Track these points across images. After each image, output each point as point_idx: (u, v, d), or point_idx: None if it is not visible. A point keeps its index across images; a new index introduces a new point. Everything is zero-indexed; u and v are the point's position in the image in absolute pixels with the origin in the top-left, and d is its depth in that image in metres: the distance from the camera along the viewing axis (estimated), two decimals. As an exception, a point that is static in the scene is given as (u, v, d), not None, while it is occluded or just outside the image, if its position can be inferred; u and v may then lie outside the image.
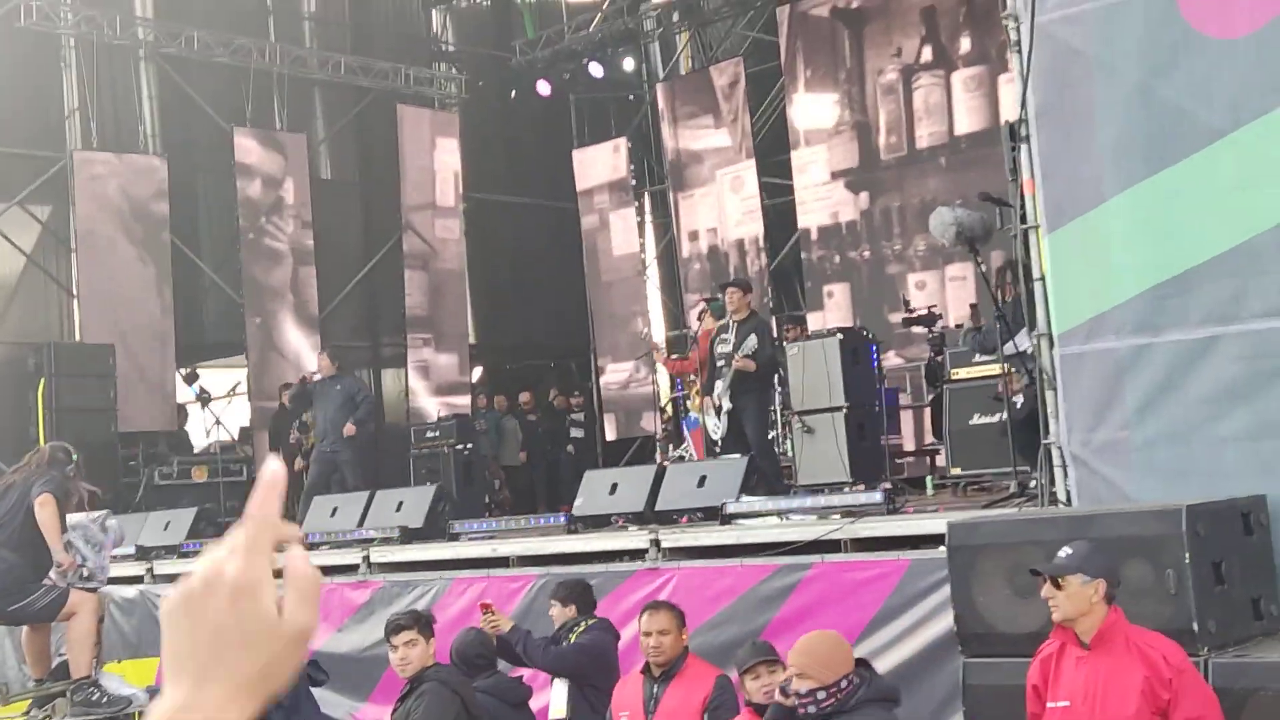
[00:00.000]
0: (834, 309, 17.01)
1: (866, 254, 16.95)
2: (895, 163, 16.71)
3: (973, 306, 9.92)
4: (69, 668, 7.79)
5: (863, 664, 5.08)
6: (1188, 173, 6.22)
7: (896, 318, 14.43)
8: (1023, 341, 7.84)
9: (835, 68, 17.30)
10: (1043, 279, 6.75)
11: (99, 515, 8.40)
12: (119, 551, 11.54)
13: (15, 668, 9.32)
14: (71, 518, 7.94)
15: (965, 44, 16.08)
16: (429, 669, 6.07)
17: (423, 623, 6.22)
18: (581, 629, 7.01)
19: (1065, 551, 4.90)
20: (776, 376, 11.37)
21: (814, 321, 16.68)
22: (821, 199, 17.35)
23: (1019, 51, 6.75)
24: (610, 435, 20.02)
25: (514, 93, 20.72)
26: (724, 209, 18.72)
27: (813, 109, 17.56)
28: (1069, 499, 6.62)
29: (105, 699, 7.68)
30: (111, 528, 8.51)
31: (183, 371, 16.94)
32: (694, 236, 19.22)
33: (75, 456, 8.35)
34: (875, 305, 16.47)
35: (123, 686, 7.92)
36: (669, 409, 19.52)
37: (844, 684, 4.81)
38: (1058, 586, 4.78)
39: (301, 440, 14.77)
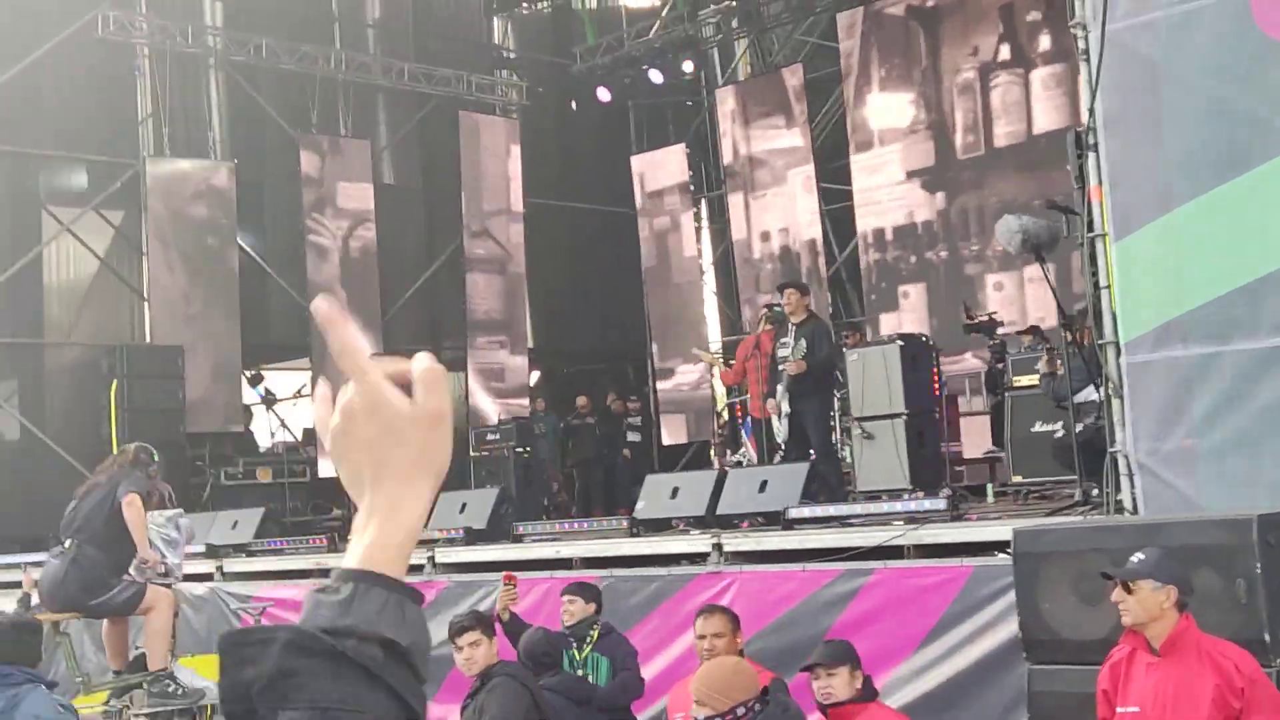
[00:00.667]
0: (909, 309, 16.82)
1: (943, 254, 16.80)
2: (972, 162, 16.54)
3: (1050, 350, 9.91)
4: (146, 660, 7.99)
5: (772, 689, 5.22)
6: (1258, 181, 6.23)
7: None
8: (1092, 393, 7.91)
9: (910, 67, 17.15)
10: (1109, 287, 6.77)
11: (173, 514, 8.67)
12: (189, 549, 11.81)
13: (95, 660, 9.53)
14: (150, 516, 8.15)
15: (1044, 42, 15.92)
16: (495, 666, 6.17)
17: (485, 623, 6.36)
18: (595, 635, 7.31)
19: (1137, 557, 4.92)
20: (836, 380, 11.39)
21: (887, 323, 16.58)
22: (897, 199, 17.20)
23: (1087, 60, 6.77)
24: (667, 439, 20.10)
25: (573, 100, 20.85)
26: (796, 210, 18.74)
27: (887, 108, 17.42)
28: (1135, 507, 6.63)
29: (180, 690, 7.91)
30: (184, 526, 8.83)
31: (248, 374, 17.21)
32: (765, 237, 19.18)
33: (156, 457, 8.68)
34: (952, 306, 15.96)
35: (196, 679, 8.14)
36: (725, 413, 19.59)
37: (740, 711, 4.92)
38: (1128, 591, 4.81)
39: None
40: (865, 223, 17.56)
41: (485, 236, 19.60)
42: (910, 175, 17.09)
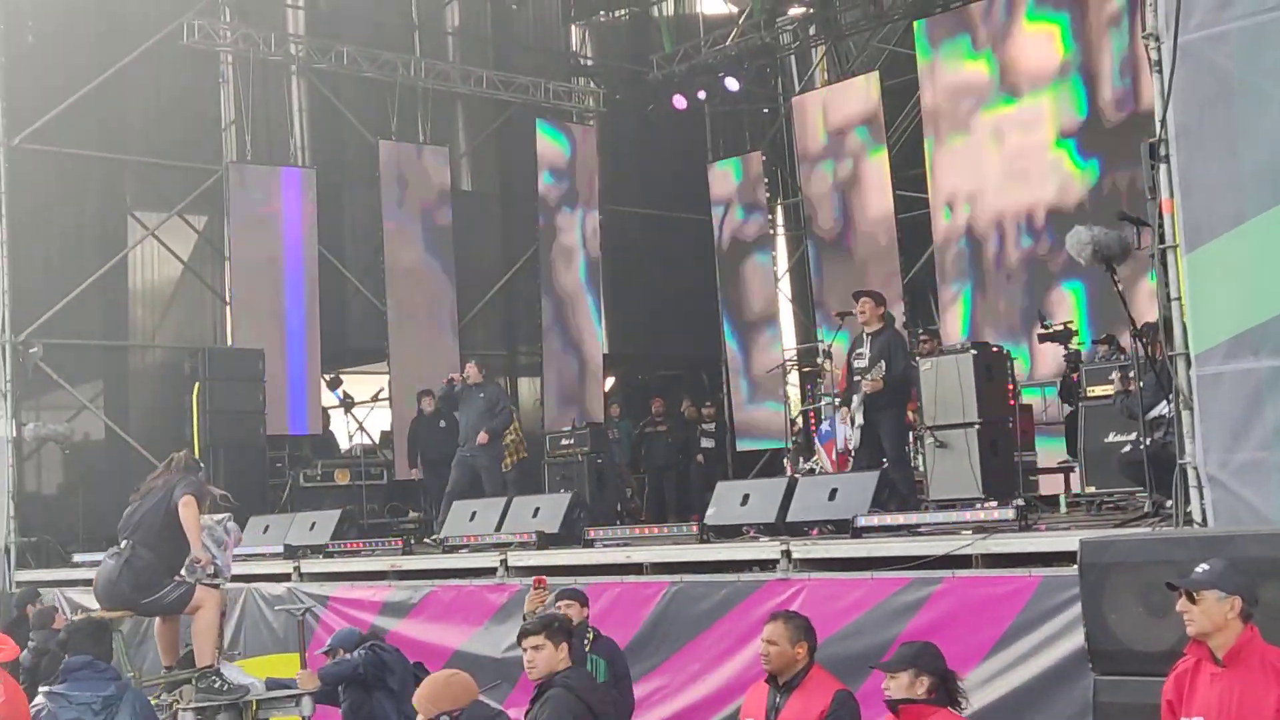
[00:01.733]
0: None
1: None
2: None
3: (1123, 369, 9.85)
4: (194, 657, 8.30)
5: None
6: (1333, 194, 6.18)
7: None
8: (1164, 409, 7.88)
9: None
10: (1179, 299, 6.73)
11: (222, 518, 8.99)
12: (238, 551, 12.05)
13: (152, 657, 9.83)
14: (201, 519, 8.40)
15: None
16: (558, 674, 6.09)
17: (552, 628, 6.18)
18: (592, 637, 7.50)
19: (1202, 567, 4.91)
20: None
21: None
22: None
23: (1159, 71, 6.74)
24: (741, 446, 20.13)
25: (650, 106, 20.96)
26: (871, 216, 18.62)
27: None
28: (1204, 519, 6.59)
29: (226, 687, 8.20)
30: (232, 530, 9.05)
31: (327, 377, 17.47)
32: (842, 243, 19.04)
33: (202, 465, 9.23)
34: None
35: (242, 676, 8.41)
36: (799, 421, 19.58)
37: (442, 719, 5.42)
38: (1192, 601, 4.81)
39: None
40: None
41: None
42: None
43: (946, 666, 5.55)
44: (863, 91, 18.83)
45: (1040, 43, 16.65)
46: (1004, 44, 16.97)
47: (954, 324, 17.18)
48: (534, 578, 8.07)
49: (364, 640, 8.24)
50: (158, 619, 8.63)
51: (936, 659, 5.55)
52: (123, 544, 8.23)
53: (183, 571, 8.17)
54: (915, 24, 18.02)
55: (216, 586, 8.51)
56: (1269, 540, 5.67)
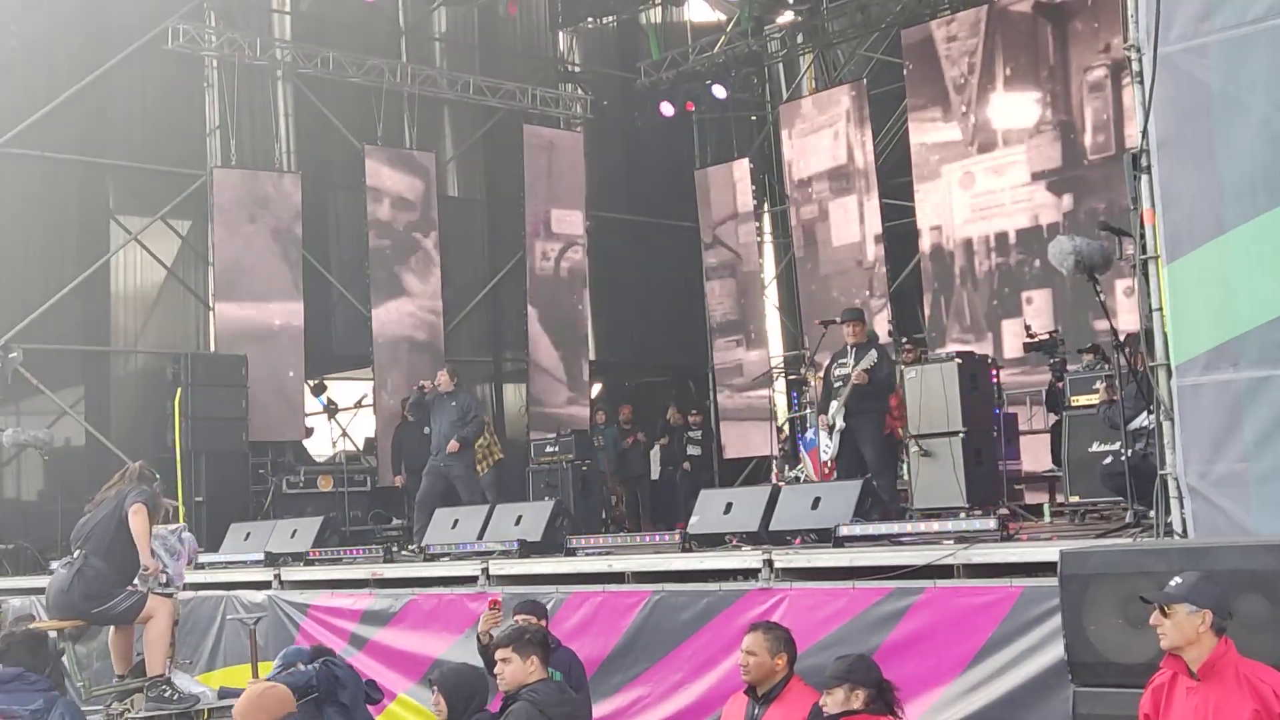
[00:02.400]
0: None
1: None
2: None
3: (1108, 378, 9.87)
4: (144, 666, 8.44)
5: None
6: (1312, 205, 6.18)
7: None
8: (1145, 420, 7.88)
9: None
10: (1160, 309, 6.73)
11: (176, 528, 9.20)
12: (220, 558, 12.17)
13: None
14: (154, 529, 8.55)
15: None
16: (526, 686, 6.03)
17: (522, 640, 6.13)
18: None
19: (1175, 581, 4.95)
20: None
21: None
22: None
23: (1141, 82, 6.74)
24: (727, 454, 20.12)
25: (637, 114, 20.96)
26: (857, 225, 18.66)
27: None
28: (1185, 530, 6.58)
29: (176, 696, 8.34)
30: (187, 539, 9.25)
31: (310, 383, 17.42)
32: (827, 252, 19.09)
33: (158, 475, 9.23)
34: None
35: (192, 685, 8.58)
36: (785, 429, 19.59)
37: None
38: (1165, 615, 4.86)
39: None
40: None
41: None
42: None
43: (881, 676, 5.63)
44: (850, 99, 18.84)
45: (1019, 104, 16.94)
46: (981, 108, 17.21)
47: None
48: (490, 598, 8.04)
49: (315, 656, 8.17)
50: (111, 628, 8.73)
51: (870, 669, 5.64)
52: (75, 554, 8.35)
53: (135, 581, 8.30)
54: (902, 33, 18.04)
55: (169, 596, 8.67)
56: (1248, 552, 5.66)
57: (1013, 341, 15.64)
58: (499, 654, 6.07)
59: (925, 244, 17.65)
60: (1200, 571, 5.10)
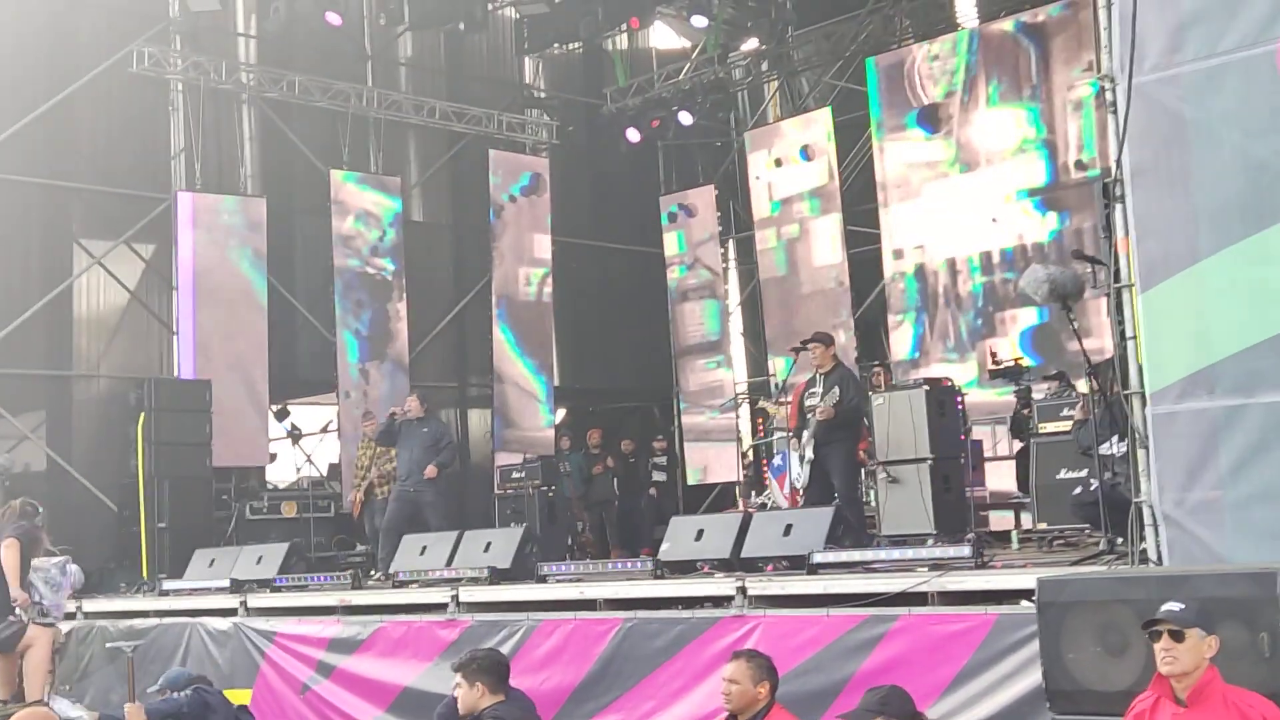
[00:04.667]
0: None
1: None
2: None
3: (1085, 398, 9.93)
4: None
5: None
6: (1285, 235, 6.23)
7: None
8: (1112, 447, 7.93)
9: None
10: (1135, 338, 6.78)
11: (60, 561, 9.64)
12: (185, 585, 12.25)
13: None
14: (35, 561, 9.11)
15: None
16: (485, 709, 6.14)
17: (471, 668, 6.31)
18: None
19: (1174, 606, 4.91)
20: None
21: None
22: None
23: (1115, 112, 6.80)
24: (691, 480, 20.11)
25: (604, 139, 20.99)
26: (823, 251, 18.70)
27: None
28: (1160, 558, 6.62)
29: None
30: (71, 572, 9.86)
31: (275, 408, 17.29)
32: (794, 278, 19.10)
33: (41, 510, 9.82)
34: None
35: (72, 710, 8.87)
36: (750, 454, 19.61)
37: None
38: (1177, 640, 4.81)
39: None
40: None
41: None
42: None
43: (915, 709, 5.54)
44: (815, 127, 18.92)
45: (1003, 122, 16.78)
46: (963, 127, 17.08)
47: (902, 347, 17.36)
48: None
49: (192, 682, 8.48)
50: None
51: (904, 702, 5.55)
52: None
53: (18, 610, 8.82)
54: (867, 61, 18.14)
55: (50, 625, 9.23)
56: (1226, 579, 5.70)
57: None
58: (453, 681, 6.30)
59: (908, 264, 17.48)
60: (1195, 599, 5.09)
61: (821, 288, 18.66)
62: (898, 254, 17.62)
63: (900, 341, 17.47)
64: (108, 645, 11.29)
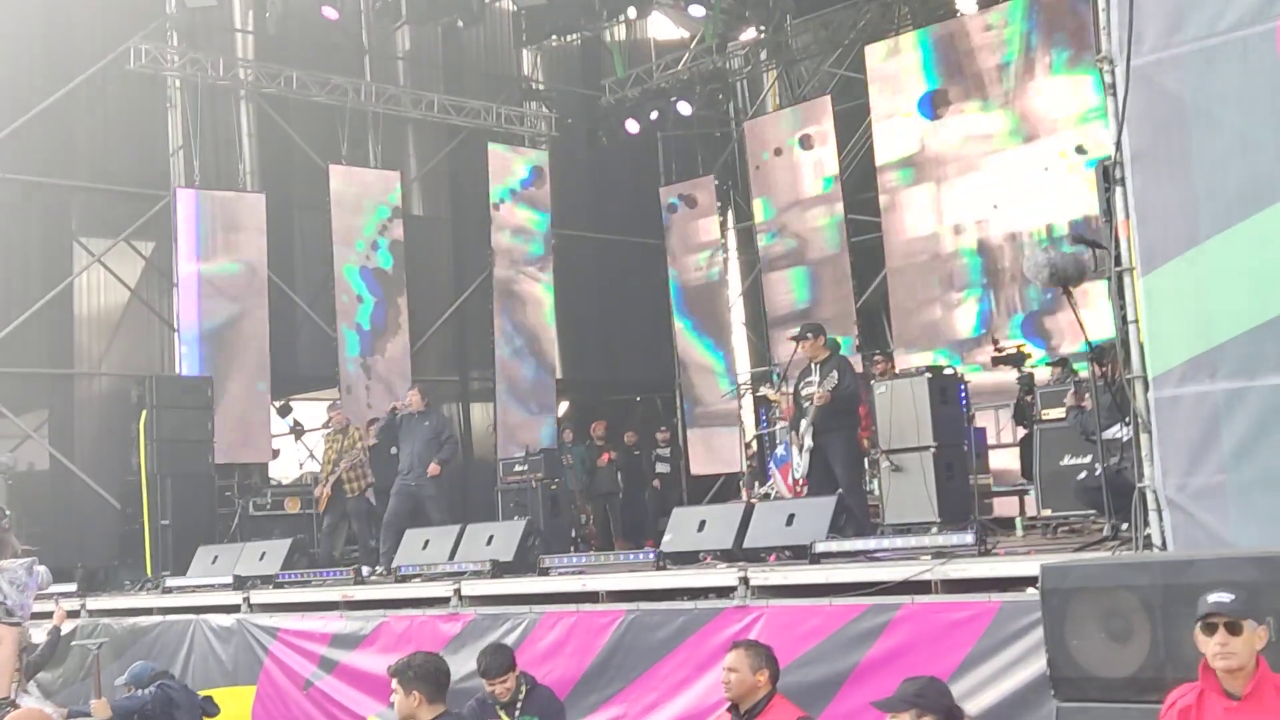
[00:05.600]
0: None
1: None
2: None
3: (1077, 384, 9.89)
4: None
5: None
6: (1286, 216, 6.18)
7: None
8: (1119, 431, 7.88)
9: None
10: (1136, 321, 6.73)
11: (27, 562, 9.79)
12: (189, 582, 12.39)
13: None
14: (2, 563, 9.38)
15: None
16: None
17: (407, 674, 5.63)
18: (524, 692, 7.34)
19: (1226, 596, 4.60)
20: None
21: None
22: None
23: (1114, 94, 6.75)
24: (695, 471, 20.07)
25: (602, 132, 20.95)
26: (825, 240, 18.57)
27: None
28: (1164, 543, 6.57)
29: None
30: (38, 573, 9.94)
31: (276, 404, 17.26)
32: (795, 267, 18.95)
33: (9, 513, 10.23)
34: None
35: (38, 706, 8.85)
36: (754, 445, 19.56)
37: None
38: (1233, 633, 4.51)
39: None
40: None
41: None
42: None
43: (953, 702, 5.40)
44: (814, 116, 18.84)
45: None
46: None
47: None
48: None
49: (156, 677, 8.58)
50: None
51: (942, 695, 5.37)
52: None
53: None
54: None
55: (15, 625, 9.38)
56: (1230, 564, 5.64)
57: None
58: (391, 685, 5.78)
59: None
60: (1238, 586, 4.83)
61: (823, 277, 18.58)
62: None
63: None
64: (74, 644, 11.37)
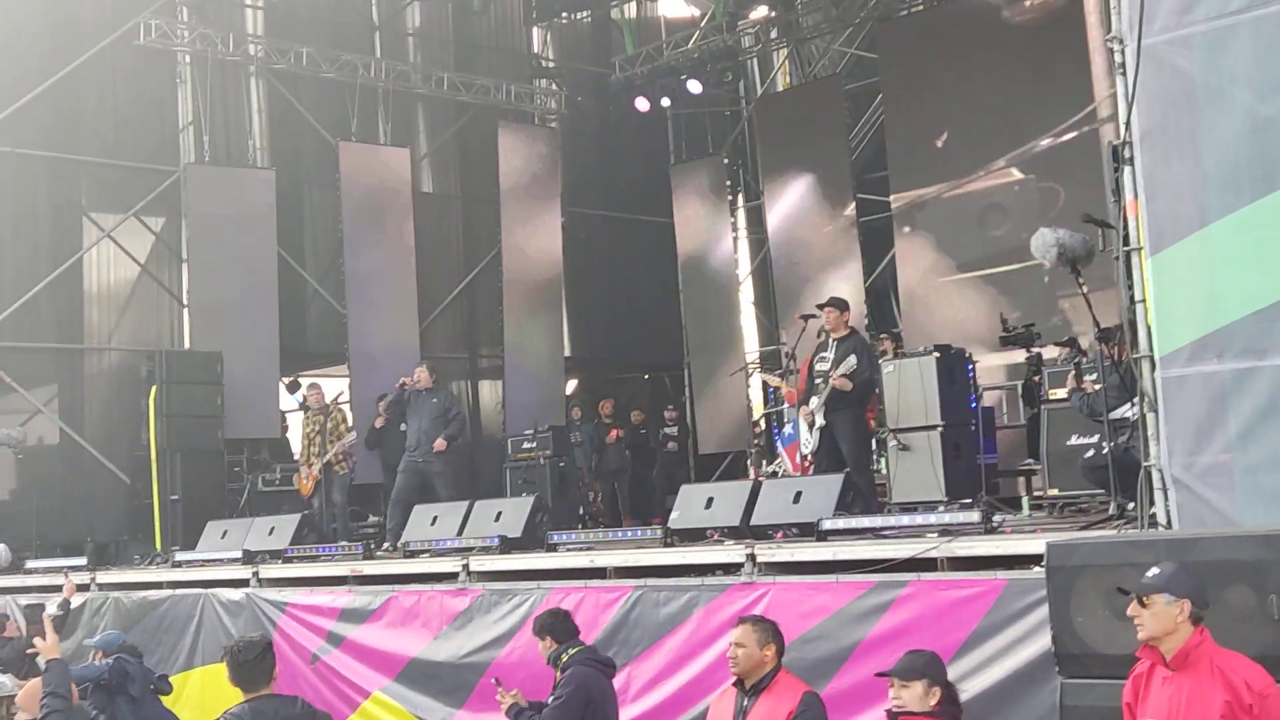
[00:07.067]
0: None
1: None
2: None
3: (1077, 365, 9.86)
4: None
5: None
6: (1295, 197, 6.18)
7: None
8: (1128, 410, 7.88)
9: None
10: (1144, 301, 6.74)
11: None
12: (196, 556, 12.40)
13: None
14: None
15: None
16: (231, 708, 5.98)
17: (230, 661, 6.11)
18: (564, 660, 7.30)
19: (1153, 571, 4.95)
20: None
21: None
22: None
23: (1124, 74, 6.74)
24: (703, 449, 20.10)
25: (612, 109, 20.91)
26: (831, 219, 18.52)
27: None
28: (1169, 522, 6.59)
29: None
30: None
31: (286, 380, 17.30)
32: (803, 247, 18.84)
33: None
34: None
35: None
36: (761, 424, 19.58)
37: None
38: (1143, 605, 4.86)
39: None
40: None
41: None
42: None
43: (947, 679, 5.58)
44: (825, 95, 18.81)
45: None
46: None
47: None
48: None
49: (122, 649, 8.70)
50: None
51: (943, 669, 5.61)
52: None
53: None
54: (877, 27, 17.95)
55: None
56: (1234, 542, 5.67)
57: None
58: None
59: None
60: (1176, 562, 5.11)
61: (832, 256, 18.56)
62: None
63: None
64: (45, 615, 11.45)
